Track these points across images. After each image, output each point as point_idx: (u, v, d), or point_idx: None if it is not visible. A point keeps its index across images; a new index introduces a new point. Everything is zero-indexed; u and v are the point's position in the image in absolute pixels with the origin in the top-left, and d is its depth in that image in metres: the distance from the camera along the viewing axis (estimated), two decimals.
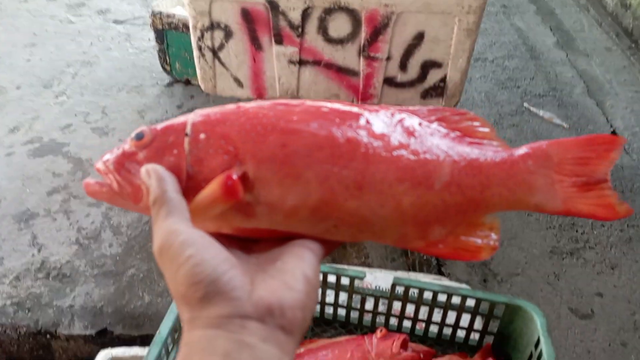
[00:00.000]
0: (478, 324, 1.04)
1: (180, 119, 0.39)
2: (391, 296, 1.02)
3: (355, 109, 0.38)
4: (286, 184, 0.36)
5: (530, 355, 0.94)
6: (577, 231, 2.02)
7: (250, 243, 0.39)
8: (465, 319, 1.04)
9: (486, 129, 0.39)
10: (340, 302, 1.06)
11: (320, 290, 0.98)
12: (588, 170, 0.37)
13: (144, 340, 1.45)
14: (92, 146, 2.07)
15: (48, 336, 1.49)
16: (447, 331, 1.05)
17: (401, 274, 1.25)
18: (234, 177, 0.35)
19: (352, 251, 1.77)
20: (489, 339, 1.05)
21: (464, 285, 1.13)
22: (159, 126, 0.39)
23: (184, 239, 0.32)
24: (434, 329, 1.05)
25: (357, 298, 1.05)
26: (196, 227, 0.35)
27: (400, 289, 1.01)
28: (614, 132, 2.54)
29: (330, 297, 1.06)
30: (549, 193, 0.37)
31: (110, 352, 1.11)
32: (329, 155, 0.36)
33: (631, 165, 2.35)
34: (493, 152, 0.38)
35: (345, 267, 1.09)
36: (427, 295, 1.01)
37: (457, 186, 0.37)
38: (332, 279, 1.03)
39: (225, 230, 0.39)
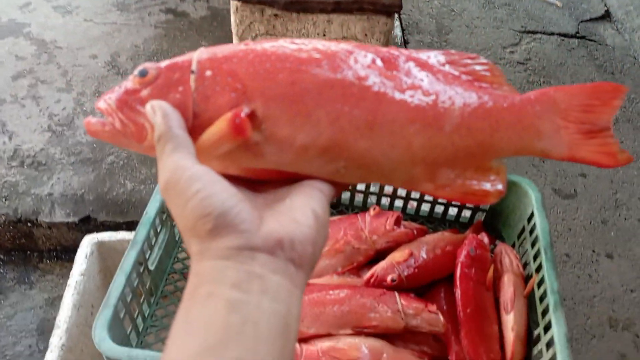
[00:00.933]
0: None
1: (186, 56, 0.38)
2: None
3: (367, 50, 0.38)
4: (296, 123, 0.36)
5: (522, 230, 0.94)
6: None
7: (258, 185, 0.38)
8: None
9: (496, 74, 0.39)
10: None
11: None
12: (592, 118, 0.38)
13: (130, 226, 1.43)
14: (55, 26, 1.91)
15: (29, 224, 1.45)
16: (439, 209, 1.04)
17: None
18: (242, 114, 0.35)
19: None
20: (480, 216, 1.04)
21: None
22: (163, 63, 0.38)
23: (192, 174, 0.32)
24: (425, 207, 1.04)
25: None
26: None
27: None
28: (607, 12, 2.44)
29: None
30: (555, 138, 0.38)
31: (96, 237, 1.08)
32: (339, 94, 0.36)
33: (623, 45, 2.29)
34: (502, 97, 0.38)
35: None
36: None
37: (466, 129, 0.37)
38: None
39: (233, 170, 0.38)
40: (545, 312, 0.79)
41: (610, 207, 1.72)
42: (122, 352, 0.68)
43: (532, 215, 0.91)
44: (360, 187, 1.02)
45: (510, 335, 0.83)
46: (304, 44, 0.38)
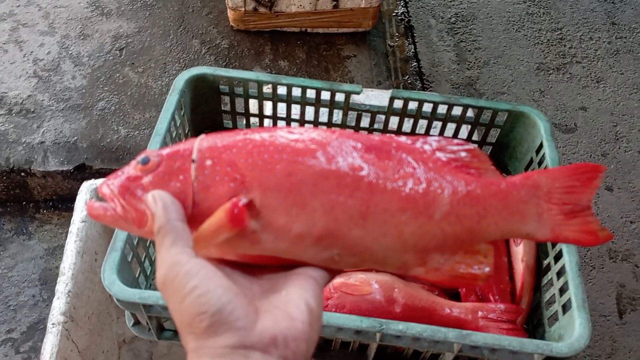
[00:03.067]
0: (476, 136, 1.01)
1: (187, 144, 0.39)
2: (389, 111, 0.96)
3: (359, 138, 0.39)
4: (292, 213, 0.37)
5: (530, 162, 0.92)
6: (565, 46, 1.95)
7: (255, 270, 0.39)
8: (463, 132, 1.00)
9: (482, 159, 0.41)
10: (334, 120, 0.99)
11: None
12: (574, 199, 0.39)
13: None
14: None
15: (22, 174, 1.42)
16: None
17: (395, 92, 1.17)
18: (240, 204, 0.36)
19: (336, 75, 1.68)
20: (486, 150, 1.02)
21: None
22: (165, 151, 0.39)
23: (188, 270, 0.33)
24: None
25: (352, 115, 0.99)
26: (200, 255, 0.36)
27: (398, 103, 0.95)
28: None
29: (324, 115, 0.99)
30: (539, 222, 0.40)
31: (95, 183, 1.05)
32: (334, 184, 0.37)
33: None
34: (489, 183, 0.40)
35: (339, 83, 1.00)
36: (427, 107, 0.95)
37: (455, 216, 0.38)
38: (325, 95, 0.96)
39: (230, 256, 0.39)
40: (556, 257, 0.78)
41: (610, 140, 1.71)
42: (133, 294, 0.67)
43: (540, 146, 0.89)
44: (364, 123, 0.99)
45: (519, 266, 0.83)
46: (301, 133, 0.39)
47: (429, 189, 0.38)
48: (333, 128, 0.48)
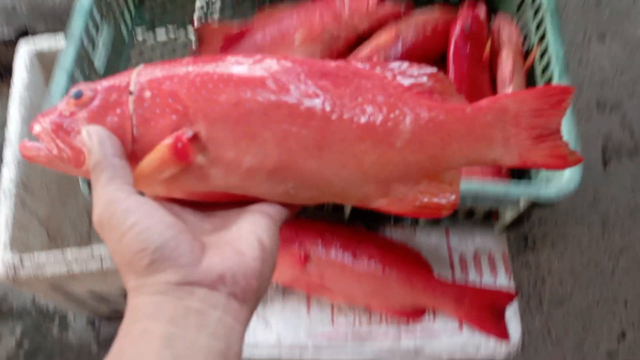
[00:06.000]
0: None
1: (123, 74, 0.37)
2: None
3: (315, 64, 0.37)
4: (242, 145, 0.35)
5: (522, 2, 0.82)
6: None
7: (206, 207, 0.37)
8: None
9: (446, 84, 0.39)
10: None
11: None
12: (542, 122, 0.38)
13: None
14: None
15: None
16: None
17: None
18: (184, 138, 0.34)
19: None
20: None
21: None
22: (100, 83, 0.36)
23: (126, 207, 0.31)
24: None
25: None
26: (144, 193, 0.35)
27: None
28: None
29: None
30: (506, 147, 0.38)
31: (34, 45, 0.93)
32: (286, 114, 0.35)
33: None
34: (453, 108, 0.38)
35: None
36: None
37: (418, 143, 0.37)
38: None
39: (178, 194, 0.37)
40: (548, 83, 0.71)
41: None
42: None
43: None
44: None
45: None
46: (248, 61, 0.37)
47: (390, 116, 0.37)
48: (286, 55, 0.42)
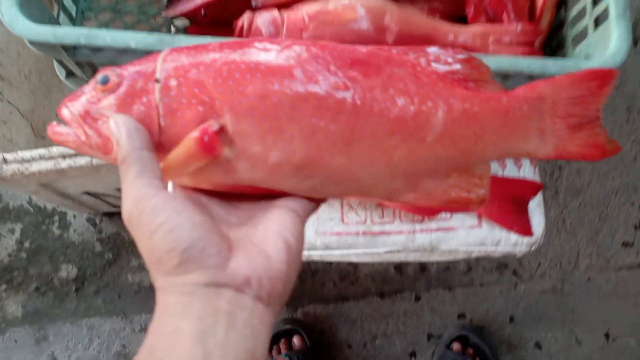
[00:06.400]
0: None
1: (149, 60, 0.36)
2: None
3: (345, 50, 0.35)
4: (268, 140, 0.34)
5: None
6: None
7: (233, 197, 0.37)
8: None
9: (482, 70, 0.37)
10: None
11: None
12: (581, 110, 0.37)
13: None
14: None
15: None
16: None
17: None
18: (211, 131, 0.33)
19: None
20: None
21: None
22: (125, 69, 0.35)
23: (155, 204, 0.31)
24: None
25: None
26: (174, 183, 0.36)
27: None
28: None
29: None
30: (542, 139, 0.37)
31: None
32: (315, 107, 0.34)
33: None
34: (488, 99, 0.36)
35: None
36: None
37: (450, 138, 0.35)
38: None
39: (205, 185, 0.36)
40: None
41: None
42: (44, 32, 0.51)
43: None
44: None
45: None
46: (277, 48, 0.35)
47: (421, 109, 0.35)
48: (315, 40, 0.37)
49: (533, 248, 0.66)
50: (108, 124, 0.34)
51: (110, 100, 0.35)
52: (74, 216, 1.10)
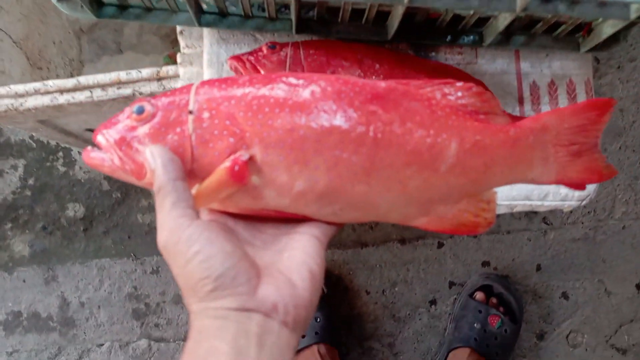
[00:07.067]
0: None
1: (182, 90, 0.38)
2: None
3: (364, 87, 0.38)
4: (294, 170, 0.36)
5: None
6: None
7: (257, 222, 0.39)
8: None
9: (492, 104, 0.39)
10: None
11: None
12: (582, 138, 0.39)
13: None
14: None
15: None
16: None
17: None
18: (241, 161, 0.36)
19: None
20: None
21: None
22: (160, 99, 0.38)
23: (190, 234, 0.34)
24: None
25: None
26: (202, 209, 0.39)
27: None
28: None
29: None
30: (545, 166, 0.39)
31: None
32: (338, 140, 0.36)
33: None
34: (497, 131, 0.39)
35: None
36: None
37: (461, 168, 0.38)
38: None
39: (232, 209, 0.39)
40: None
41: None
42: None
43: None
44: None
45: None
46: (302, 84, 0.38)
47: (436, 141, 0.37)
48: (337, 75, 0.38)
49: (584, 203, 0.59)
50: (143, 152, 0.36)
51: (145, 130, 0.37)
52: (79, 152, 1.04)
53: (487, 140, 0.38)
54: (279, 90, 0.37)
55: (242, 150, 0.36)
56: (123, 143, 0.37)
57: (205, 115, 0.36)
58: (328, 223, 0.39)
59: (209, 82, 0.38)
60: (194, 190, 0.36)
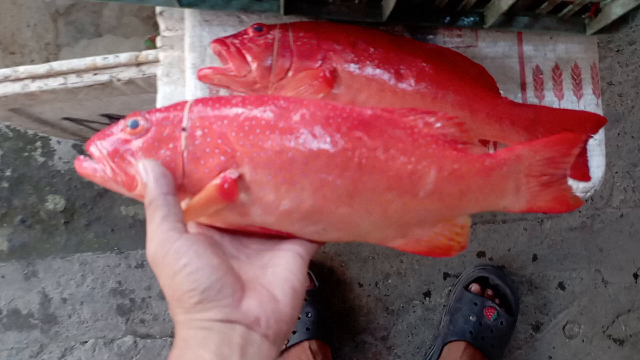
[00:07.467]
0: None
1: (176, 108, 0.40)
2: None
3: (351, 114, 0.40)
4: (281, 190, 0.38)
5: None
6: None
7: (242, 237, 0.41)
8: None
9: (470, 134, 0.41)
10: None
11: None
12: (552, 169, 0.41)
13: None
14: None
15: None
16: None
17: None
18: (230, 179, 0.37)
19: None
20: None
21: None
22: (153, 115, 0.39)
23: (178, 247, 0.35)
24: None
25: None
26: (190, 223, 0.40)
27: None
28: None
29: None
30: (516, 195, 0.41)
31: None
32: (324, 164, 0.38)
33: None
34: (473, 160, 0.40)
35: None
36: None
37: (439, 194, 0.40)
38: None
39: (219, 224, 0.40)
40: None
41: None
42: None
43: None
44: None
45: None
46: (293, 107, 0.39)
47: (417, 168, 0.39)
48: (326, 101, 0.40)
49: (588, 195, 0.56)
50: (135, 165, 0.38)
51: (138, 143, 0.38)
52: (58, 142, 1.00)
53: (464, 169, 0.40)
54: (270, 113, 0.39)
55: (232, 169, 0.37)
56: (116, 155, 0.38)
57: (198, 133, 0.38)
58: (311, 241, 0.40)
59: (203, 101, 0.40)
60: (183, 205, 0.38)
